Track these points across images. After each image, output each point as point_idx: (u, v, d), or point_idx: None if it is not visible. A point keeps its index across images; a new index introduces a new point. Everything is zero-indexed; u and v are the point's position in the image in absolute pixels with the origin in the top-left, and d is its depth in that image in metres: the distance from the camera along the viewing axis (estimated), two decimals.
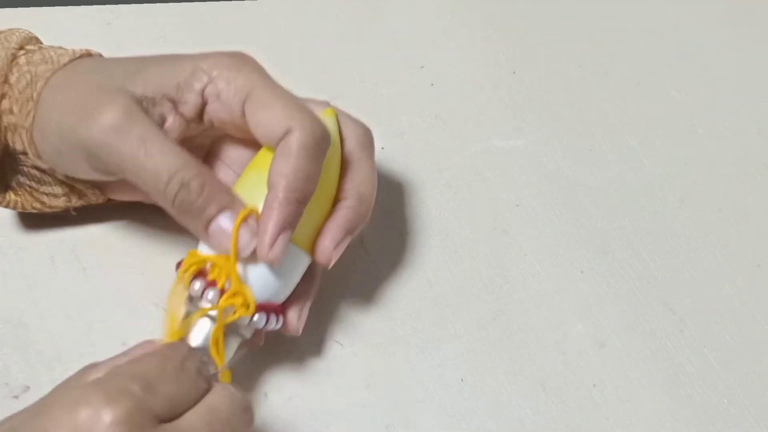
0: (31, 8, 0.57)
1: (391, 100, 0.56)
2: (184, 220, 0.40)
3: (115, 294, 0.47)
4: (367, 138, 0.45)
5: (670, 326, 0.49)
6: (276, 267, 0.40)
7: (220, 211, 0.39)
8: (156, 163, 0.39)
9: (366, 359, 0.47)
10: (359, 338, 0.47)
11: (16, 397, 0.44)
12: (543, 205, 0.53)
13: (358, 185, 0.43)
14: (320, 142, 0.40)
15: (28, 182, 0.45)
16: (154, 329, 0.40)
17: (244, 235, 0.39)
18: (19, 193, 0.46)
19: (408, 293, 0.49)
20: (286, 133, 0.39)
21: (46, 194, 0.46)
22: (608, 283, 0.50)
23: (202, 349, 0.40)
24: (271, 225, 0.39)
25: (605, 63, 0.59)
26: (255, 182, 0.41)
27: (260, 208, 0.40)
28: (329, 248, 0.42)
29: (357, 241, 0.49)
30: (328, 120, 0.43)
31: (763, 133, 0.57)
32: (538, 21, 0.60)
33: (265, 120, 0.40)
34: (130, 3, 0.58)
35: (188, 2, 0.58)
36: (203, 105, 0.41)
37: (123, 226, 0.49)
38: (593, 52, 0.59)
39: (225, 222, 0.39)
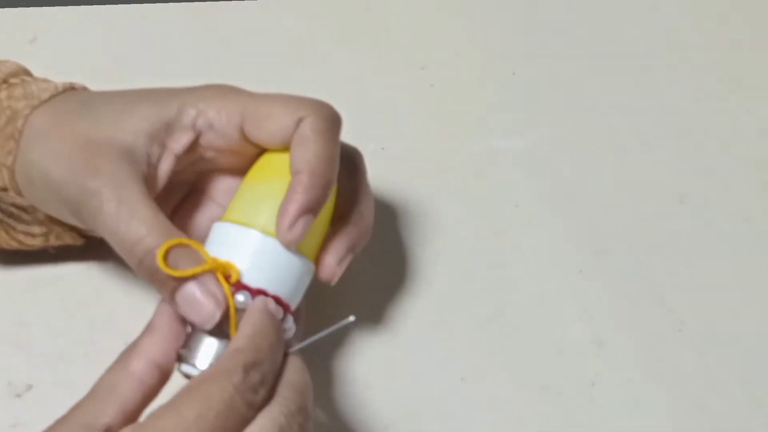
0: (31, 8, 0.56)
1: (391, 100, 0.56)
2: (151, 285, 0.38)
3: (118, 293, 0.47)
4: (360, 160, 0.45)
5: (668, 325, 0.49)
6: (293, 250, 0.39)
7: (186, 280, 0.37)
8: (126, 227, 0.37)
9: (366, 359, 0.47)
10: (360, 338, 0.47)
11: (18, 395, 0.44)
12: (543, 205, 0.53)
13: (357, 205, 0.43)
14: (333, 121, 0.40)
15: (6, 219, 0.44)
16: None
17: (209, 305, 0.37)
18: None
19: (408, 293, 0.49)
20: (298, 123, 0.39)
21: (23, 233, 0.44)
22: (607, 283, 0.50)
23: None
24: (292, 206, 0.38)
25: (605, 63, 0.59)
26: (260, 189, 0.40)
27: (267, 214, 0.39)
28: (332, 265, 0.41)
29: None
30: None
31: (764, 133, 0.57)
32: (538, 21, 0.60)
33: (272, 126, 0.40)
34: (130, 3, 0.58)
35: (188, 2, 0.58)
36: (196, 138, 0.41)
37: None
38: (593, 52, 0.59)
39: (192, 291, 0.37)
